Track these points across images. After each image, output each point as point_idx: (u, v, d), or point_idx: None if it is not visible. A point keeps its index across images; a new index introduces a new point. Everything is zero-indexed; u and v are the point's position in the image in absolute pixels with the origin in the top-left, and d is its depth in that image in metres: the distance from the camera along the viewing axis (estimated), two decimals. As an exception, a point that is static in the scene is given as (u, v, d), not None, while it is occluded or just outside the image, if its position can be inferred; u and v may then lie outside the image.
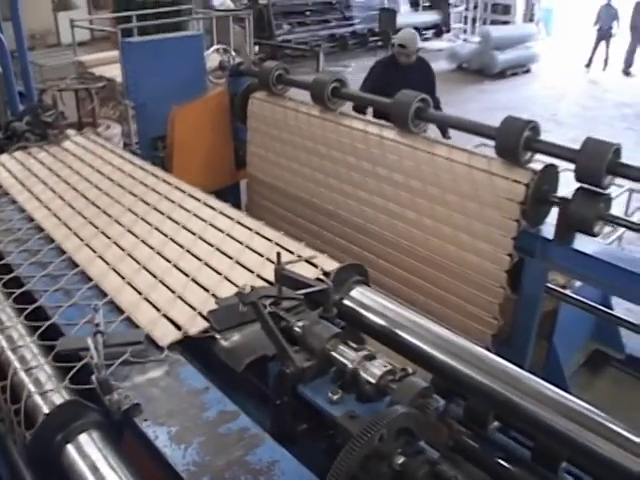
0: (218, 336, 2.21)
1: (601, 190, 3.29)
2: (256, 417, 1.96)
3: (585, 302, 3.92)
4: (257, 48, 16.15)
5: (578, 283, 4.11)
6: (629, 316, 4.07)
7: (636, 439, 1.87)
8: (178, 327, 2.28)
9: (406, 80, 4.43)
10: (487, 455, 2.93)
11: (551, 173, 3.49)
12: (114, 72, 7.29)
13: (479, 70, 17.09)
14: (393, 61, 6.30)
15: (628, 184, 5.85)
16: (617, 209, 6.77)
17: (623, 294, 3.61)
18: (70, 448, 1.78)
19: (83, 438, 1.80)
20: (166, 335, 2.24)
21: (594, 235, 3.38)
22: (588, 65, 18.27)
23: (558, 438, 2.00)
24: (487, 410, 2.23)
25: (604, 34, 17.85)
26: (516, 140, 3.41)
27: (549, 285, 3.85)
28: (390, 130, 4.04)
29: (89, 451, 1.76)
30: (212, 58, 5.92)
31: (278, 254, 2.22)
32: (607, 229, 5.03)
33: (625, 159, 3.26)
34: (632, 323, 3.95)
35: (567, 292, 4.04)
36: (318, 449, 2.03)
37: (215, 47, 6.06)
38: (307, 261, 2.54)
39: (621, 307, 4.09)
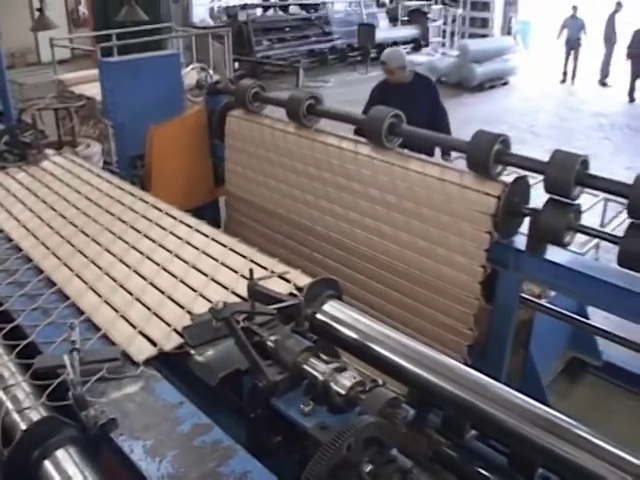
0: (193, 351, 2.26)
1: (570, 201, 3.36)
2: (234, 430, 2.01)
3: (560, 311, 3.98)
4: (237, 65, 16.27)
5: (553, 292, 4.18)
6: (606, 324, 4.13)
7: (606, 446, 1.92)
8: (154, 343, 2.33)
9: (402, 99, 4.43)
10: (466, 464, 2.97)
11: (522, 185, 3.54)
12: (94, 90, 7.31)
13: (458, 83, 17.28)
14: (388, 81, 6.32)
15: (604, 193, 5.92)
16: (594, 218, 6.91)
17: (595, 303, 3.67)
18: (47, 464, 1.81)
19: (60, 454, 1.84)
20: (142, 351, 2.28)
21: (565, 245, 3.43)
22: (564, 80, 18.61)
23: (530, 445, 2.05)
24: (463, 420, 2.28)
25: (572, 45, 18.28)
26: (487, 153, 3.46)
27: (524, 295, 3.92)
28: (365, 146, 4.09)
29: (66, 466, 1.80)
30: (190, 76, 5.97)
31: (251, 270, 2.28)
32: (584, 238, 5.11)
33: (602, 168, 3.33)
34: (606, 331, 4.01)
35: (542, 302, 4.11)
36: (293, 461, 2.08)
37: (193, 66, 6.11)
38: (280, 276, 2.60)
39: (599, 315, 4.12)
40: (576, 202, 3.39)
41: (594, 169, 3.34)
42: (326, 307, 2.48)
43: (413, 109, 4.10)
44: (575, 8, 18.15)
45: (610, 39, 18.05)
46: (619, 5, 18.02)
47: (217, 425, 1.97)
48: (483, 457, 2.49)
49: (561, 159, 3.29)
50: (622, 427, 4.53)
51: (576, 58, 18.42)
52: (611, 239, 3.46)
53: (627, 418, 4.66)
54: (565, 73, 18.66)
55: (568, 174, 3.23)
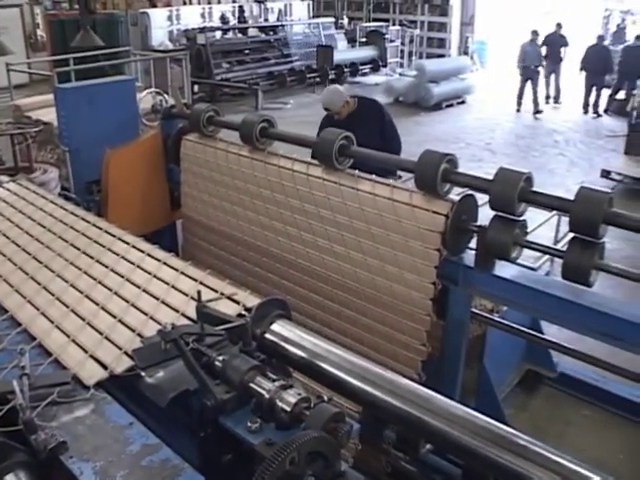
0: (143, 373, 2.30)
1: (515, 217, 3.43)
2: (186, 449, 2.05)
3: (511, 325, 4.07)
4: (197, 87, 16.32)
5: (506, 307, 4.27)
6: (559, 336, 4.21)
7: (553, 457, 1.98)
8: (105, 367, 2.37)
9: (349, 127, 4.45)
10: (422, 477, 3.03)
11: (469, 203, 3.61)
12: (51, 116, 7.27)
13: (415, 103, 17.43)
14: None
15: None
16: (550, 232, 7.06)
17: (543, 316, 3.78)
18: (-4, 489, 1.84)
19: (10, 478, 1.86)
20: (93, 375, 2.32)
21: (512, 260, 3.51)
22: (519, 110, 17.63)
23: (479, 458, 2.10)
24: (415, 435, 2.34)
25: (530, 74, 17.32)
26: (434, 173, 3.51)
27: (476, 310, 4.00)
28: (316, 168, 4.14)
29: (15, 492, 1.83)
30: (145, 100, 5.98)
31: (199, 292, 2.33)
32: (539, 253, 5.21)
33: (558, 184, 3.40)
34: (557, 343, 4.10)
35: (494, 316, 4.20)
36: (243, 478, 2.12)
37: (148, 90, 6.14)
38: (229, 298, 2.65)
39: (554, 327, 4.15)
40: (522, 218, 3.47)
41: (551, 185, 3.42)
42: (274, 327, 2.53)
43: (363, 134, 4.15)
44: (535, 33, 17.26)
45: (554, 58, 17.97)
46: (559, 26, 17.93)
47: (169, 445, 2.01)
48: (439, 470, 2.56)
49: (505, 177, 3.36)
50: (577, 437, 4.65)
51: (535, 88, 17.45)
52: (556, 253, 3.57)
53: (582, 428, 4.78)
54: (520, 103, 17.62)
55: (512, 191, 3.30)
